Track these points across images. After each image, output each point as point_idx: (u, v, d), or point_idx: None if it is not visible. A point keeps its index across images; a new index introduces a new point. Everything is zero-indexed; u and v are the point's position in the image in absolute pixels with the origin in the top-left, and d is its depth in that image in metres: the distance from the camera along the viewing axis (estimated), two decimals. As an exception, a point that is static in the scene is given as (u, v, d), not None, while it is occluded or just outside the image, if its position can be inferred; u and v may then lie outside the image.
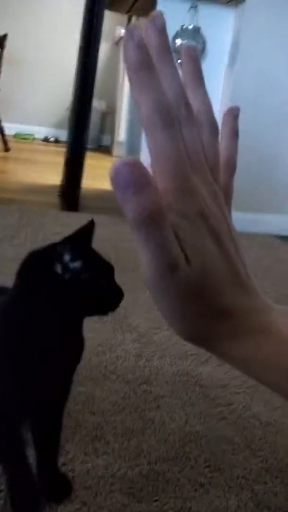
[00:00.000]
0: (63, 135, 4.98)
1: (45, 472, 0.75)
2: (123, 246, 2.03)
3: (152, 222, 0.23)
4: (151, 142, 0.25)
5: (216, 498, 0.82)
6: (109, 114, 5.17)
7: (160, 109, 0.24)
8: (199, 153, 0.27)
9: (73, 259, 0.59)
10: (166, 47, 0.27)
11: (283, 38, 2.35)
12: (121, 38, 4.65)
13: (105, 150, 5.02)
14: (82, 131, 2.47)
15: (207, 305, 0.26)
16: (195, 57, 0.29)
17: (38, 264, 0.61)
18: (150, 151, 0.25)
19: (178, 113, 0.26)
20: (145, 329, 1.36)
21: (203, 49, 2.38)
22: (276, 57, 2.34)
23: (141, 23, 2.56)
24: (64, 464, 0.82)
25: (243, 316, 0.26)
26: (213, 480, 0.86)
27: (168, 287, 0.25)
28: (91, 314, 0.67)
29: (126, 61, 0.25)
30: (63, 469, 0.81)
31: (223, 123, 0.31)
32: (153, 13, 0.26)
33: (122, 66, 4.64)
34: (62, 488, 0.77)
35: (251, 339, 0.26)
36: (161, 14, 0.26)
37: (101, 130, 5.22)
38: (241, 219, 2.61)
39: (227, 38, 2.41)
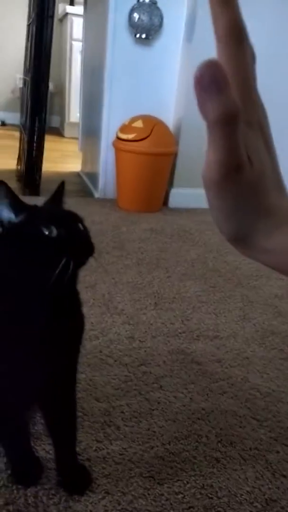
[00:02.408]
0: (10, 118, 4.77)
1: (64, 465, 0.72)
2: (94, 228, 1.98)
3: (231, 121, 0.25)
4: (226, 54, 0.28)
5: (233, 471, 0.82)
6: (57, 95, 4.98)
7: (237, 24, 0.28)
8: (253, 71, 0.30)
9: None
10: None
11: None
12: (65, 15, 4.45)
13: (55, 131, 4.85)
14: (40, 114, 2.34)
15: (258, 204, 0.29)
16: None
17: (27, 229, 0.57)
18: (222, 62, 0.27)
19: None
20: (132, 311, 1.33)
21: (160, 24, 2.32)
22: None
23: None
24: (78, 454, 0.78)
25: (283, 215, 0.30)
26: (227, 454, 0.85)
27: (230, 186, 0.28)
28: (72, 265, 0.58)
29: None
30: (78, 458, 0.77)
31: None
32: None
33: (68, 44, 4.46)
34: (83, 479, 0.73)
35: (286, 233, 0.29)
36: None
37: (50, 111, 5.03)
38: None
39: (184, 12, 2.36)
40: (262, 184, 0.29)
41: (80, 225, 0.61)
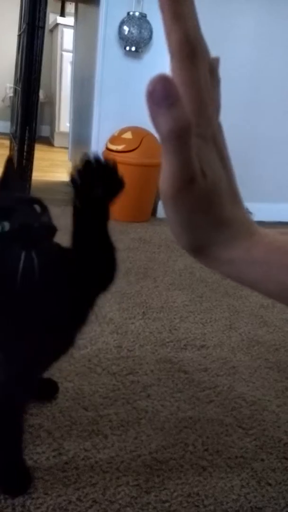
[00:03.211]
0: (0, 126, 4.77)
1: None
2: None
3: (183, 135, 0.26)
4: (179, 69, 0.27)
5: (220, 480, 0.83)
6: (47, 104, 5.00)
7: (190, 40, 0.27)
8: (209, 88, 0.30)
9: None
10: None
11: (227, 26, 2.40)
12: (56, 25, 4.49)
13: (45, 141, 4.86)
14: (30, 123, 2.35)
15: (213, 215, 0.29)
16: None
17: None
18: (176, 77, 0.27)
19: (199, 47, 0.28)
20: (121, 320, 1.34)
21: (149, 37, 2.36)
22: (223, 45, 2.38)
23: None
24: (66, 463, 0.79)
25: (238, 226, 0.30)
26: (213, 463, 0.86)
27: (184, 198, 0.28)
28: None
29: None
30: (66, 467, 0.78)
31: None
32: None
33: (59, 54, 4.49)
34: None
35: (242, 244, 0.30)
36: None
37: (40, 120, 5.05)
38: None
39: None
40: (217, 195, 0.29)
41: (36, 207, 0.56)
